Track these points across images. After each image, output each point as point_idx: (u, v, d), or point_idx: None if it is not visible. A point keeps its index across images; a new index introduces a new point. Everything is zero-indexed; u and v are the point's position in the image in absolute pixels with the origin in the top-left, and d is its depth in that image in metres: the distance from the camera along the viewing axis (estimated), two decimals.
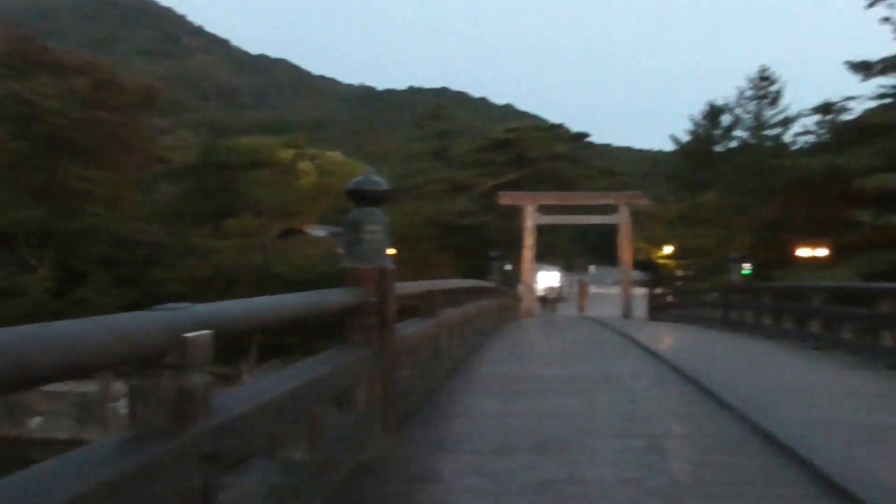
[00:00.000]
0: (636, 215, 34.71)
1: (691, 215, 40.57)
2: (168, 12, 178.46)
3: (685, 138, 50.86)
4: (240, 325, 2.78)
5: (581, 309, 37.29)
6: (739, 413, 5.69)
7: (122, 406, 19.60)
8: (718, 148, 48.37)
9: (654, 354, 10.21)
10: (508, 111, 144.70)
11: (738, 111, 47.55)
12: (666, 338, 14.48)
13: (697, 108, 50.82)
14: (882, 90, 34.17)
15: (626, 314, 29.18)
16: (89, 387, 19.44)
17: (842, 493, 3.67)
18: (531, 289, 33.24)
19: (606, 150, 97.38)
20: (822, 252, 32.78)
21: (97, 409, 19.60)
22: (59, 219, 34.78)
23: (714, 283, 26.94)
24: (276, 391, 2.95)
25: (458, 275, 31.34)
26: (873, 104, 34.46)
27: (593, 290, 52.58)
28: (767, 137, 45.98)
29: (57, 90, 35.22)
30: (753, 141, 46.15)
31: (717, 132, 48.55)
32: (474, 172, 49.52)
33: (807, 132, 41.83)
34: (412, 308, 7.48)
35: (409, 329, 6.20)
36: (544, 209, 32.31)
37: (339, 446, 3.75)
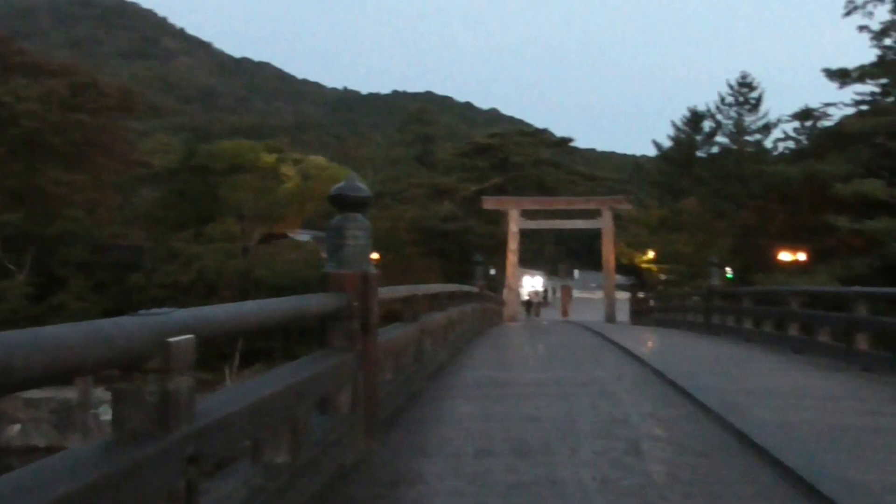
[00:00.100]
0: (619, 220, 34.94)
1: (673, 220, 40.88)
2: (148, 14, 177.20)
3: (667, 144, 51.29)
4: (223, 330, 2.82)
5: (564, 313, 37.47)
6: (717, 415, 5.78)
7: (102, 412, 19.45)
8: (700, 153, 48.82)
9: (636, 358, 10.31)
10: (493, 116, 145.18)
11: (719, 117, 48.04)
12: (647, 342, 14.60)
13: (680, 114, 51.13)
14: (859, 97, 34.66)
15: (610, 318, 29.34)
16: (69, 393, 19.25)
17: (811, 491, 3.76)
18: (515, 293, 33.34)
19: (590, 154, 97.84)
20: (802, 257, 33.14)
21: (77, 416, 19.41)
22: (37, 223, 34.42)
23: (695, 288, 27.14)
24: (259, 395, 2.99)
25: (442, 279, 31.39)
26: (851, 111, 34.95)
27: (577, 294, 52.84)
28: (748, 143, 46.45)
29: (34, 93, 34.91)
30: (734, 146, 46.59)
31: (699, 138, 49.00)
32: (458, 177, 49.63)
33: (787, 138, 42.33)
34: (395, 312, 7.52)
35: (392, 333, 6.24)
36: (528, 214, 32.43)
37: (321, 449, 3.78)
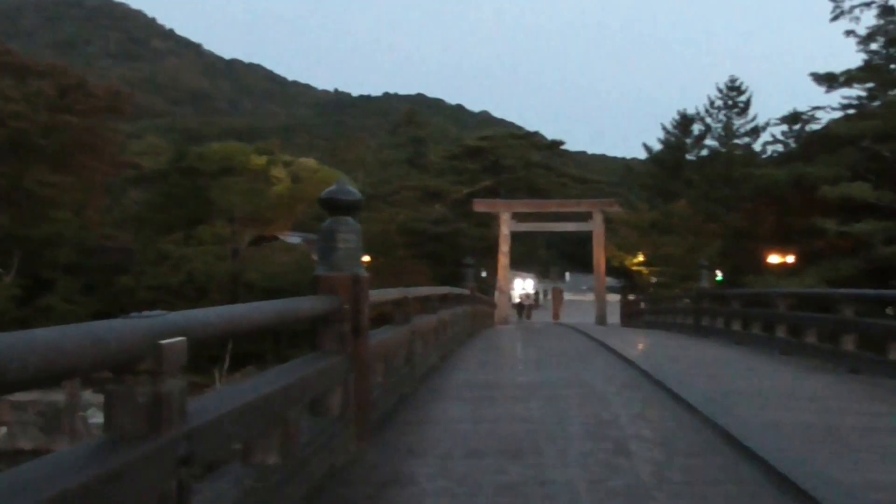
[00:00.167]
0: (610, 223, 35.06)
1: (663, 223, 41.04)
2: (137, 14, 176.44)
3: (657, 147, 51.50)
4: (214, 332, 2.84)
5: (556, 315, 37.58)
6: (704, 416, 5.84)
7: (90, 415, 19.35)
8: (690, 156, 49.06)
9: (625, 360, 10.37)
10: (484, 118, 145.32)
11: (708, 120, 48.31)
12: (637, 344, 14.67)
13: (670, 118, 51.35)
14: (846, 101, 34.94)
15: (600, 320, 29.44)
16: (56, 396, 19.14)
17: (796, 490, 3.81)
18: (507, 296, 33.40)
19: (581, 157, 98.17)
20: (791, 259, 33.36)
21: (65, 419, 19.30)
22: (24, 225, 34.25)
23: (685, 290, 27.28)
24: (250, 396, 3.01)
25: (433, 282, 31.43)
26: (838, 115, 35.23)
27: (568, 296, 53.04)
28: (737, 146, 46.72)
29: (21, 94, 34.75)
30: (723, 150, 46.85)
31: (689, 141, 49.25)
32: (449, 179, 49.68)
33: (775, 141, 42.64)
34: (386, 315, 7.55)
35: (383, 336, 6.27)
36: (519, 216, 32.51)
37: (312, 451, 3.80)
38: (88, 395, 20.14)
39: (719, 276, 31.61)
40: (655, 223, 41.54)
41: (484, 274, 35.91)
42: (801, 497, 3.76)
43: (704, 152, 48.55)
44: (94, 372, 2.12)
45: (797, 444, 5.03)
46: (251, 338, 26.51)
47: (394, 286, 8.65)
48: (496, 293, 31.04)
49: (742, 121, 47.41)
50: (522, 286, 63.34)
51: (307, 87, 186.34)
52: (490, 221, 36.15)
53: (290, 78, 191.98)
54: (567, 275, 77.59)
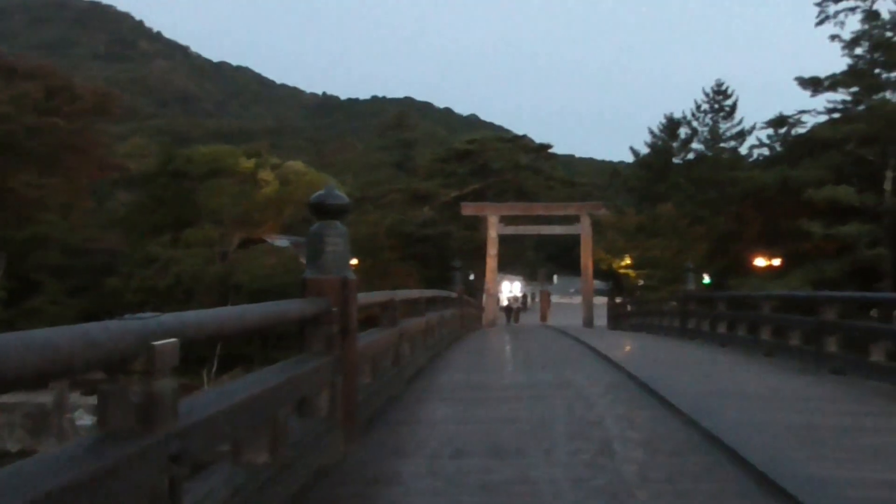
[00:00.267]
0: (597, 226, 35.23)
1: (650, 226, 41.30)
2: (124, 16, 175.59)
3: (644, 150, 51.81)
4: (205, 334, 2.90)
5: (543, 318, 37.69)
6: (687, 417, 5.94)
7: (78, 417, 19.27)
8: (676, 160, 49.39)
9: (611, 362, 10.47)
10: (472, 121, 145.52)
11: (695, 124, 48.68)
12: (623, 346, 14.79)
13: (657, 121, 51.69)
14: (831, 105, 35.28)
15: (588, 323, 29.56)
16: (43, 398, 19.05)
17: (775, 487, 3.91)
18: (494, 298, 33.48)
19: (569, 160, 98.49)
20: (776, 261, 33.64)
21: (53, 421, 19.21)
22: (11, 227, 34.07)
23: (672, 293, 27.46)
24: (240, 396, 3.07)
25: (421, 284, 31.51)
26: (824, 118, 35.57)
27: (555, 299, 53.21)
28: (723, 150, 47.09)
29: (8, 95, 34.57)
30: (710, 153, 47.19)
31: (675, 144, 49.58)
32: (437, 182, 49.72)
33: (761, 145, 43.03)
34: (374, 317, 7.61)
35: (371, 338, 6.33)
36: (507, 219, 32.60)
37: (300, 450, 3.86)
38: (76, 396, 20.06)
39: (706, 279, 31.86)
40: (642, 226, 41.81)
41: (472, 277, 35.99)
42: (779, 494, 3.85)
43: (691, 156, 48.92)
44: (89, 371, 2.18)
45: (778, 444, 5.12)
46: (239, 340, 26.50)
47: (382, 289, 8.73)
48: (484, 296, 31.12)
49: (728, 124, 47.83)
50: (510, 289, 63.53)
51: (295, 90, 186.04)
52: (478, 224, 36.24)
53: (279, 81, 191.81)
54: (555, 278, 77.80)
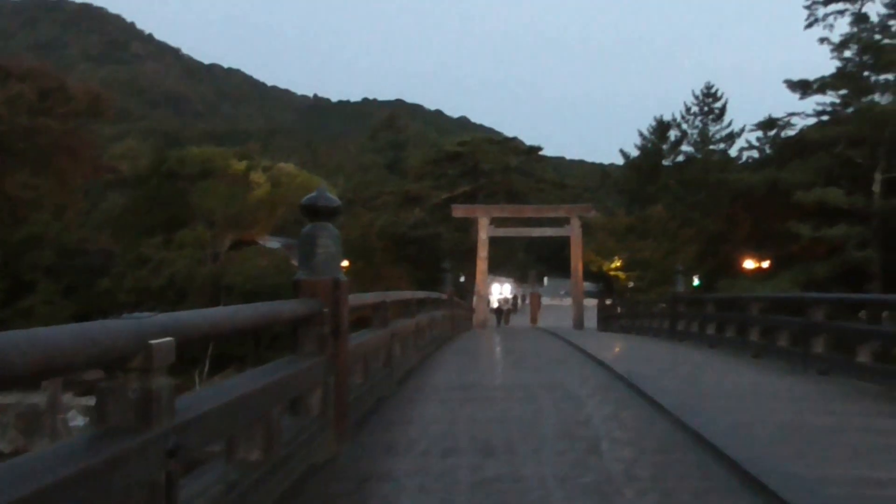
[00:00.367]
0: (587, 228, 35.36)
1: (640, 228, 41.48)
2: (116, 18, 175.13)
3: (634, 152, 52.03)
4: (200, 333, 2.96)
5: (534, 320, 37.74)
6: (674, 417, 6.02)
7: (71, 417, 19.26)
8: (666, 162, 49.64)
9: (600, 363, 10.55)
10: (463, 123, 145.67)
11: (684, 126, 48.93)
12: (612, 347, 14.88)
13: (647, 123, 51.91)
14: (820, 107, 35.54)
15: (578, 325, 29.66)
16: (36, 398, 19.05)
17: (758, 485, 4.00)
18: (485, 300, 33.55)
19: (560, 162, 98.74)
20: (766, 263, 33.85)
21: (46, 421, 19.20)
22: (4, 227, 33.98)
23: (661, 294, 27.61)
24: (235, 394, 3.14)
25: (412, 286, 31.55)
26: (813, 121, 35.84)
27: (546, 301, 53.24)
28: (713, 152, 47.33)
29: (1, 96, 34.47)
30: (699, 155, 47.43)
31: (665, 147, 49.82)
32: (428, 184, 49.76)
33: (751, 147, 43.27)
34: (366, 318, 7.68)
35: (362, 338, 6.39)
36: (498, 221, 32.66)
37: (293, 449, 3.93)
38: (69, 397, 20.06)
39: (696, 281, 32.04)
40: (632, 228, 41.99)
41: (462, 279, 36.08)
42: (762, 491, 3.94)
43: (681, 158, 49.18)
44: (89, 368, 2.24)
45: (763, 443, 5.21)
46: (231, 340, 26.50)
47: (373, 290, 8.78)
48: (474, 297, 31.19)
49: (718, 127, 48.10)
50: (500, 291, 63.64)
51: (286, 92, 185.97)
52: (468, 226, 36.30)
53: (270, 83, 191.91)
54: (545, 279, 77.91)
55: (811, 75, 34.45)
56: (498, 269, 49.32)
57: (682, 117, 48.72)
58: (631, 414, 6.54)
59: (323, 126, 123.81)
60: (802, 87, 34.52)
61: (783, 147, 37.38)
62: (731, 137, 47.05)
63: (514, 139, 58.14)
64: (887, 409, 6.92)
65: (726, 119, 47.82)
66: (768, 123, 37.91)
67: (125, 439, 2.26)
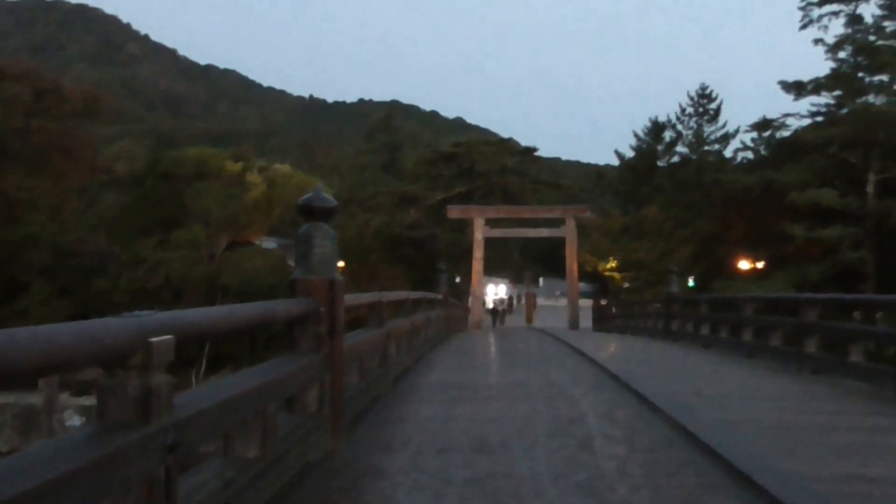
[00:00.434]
0: (582, 228, 35.43)
1: (635, 228, 41.60)
2: (112, 19, 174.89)
3: (629, 153, 52.16)
4: (198, 332, 3.01)
5: (529, 320, 37.82)
6: (667, 415, 6.08)
7: (67, 417, 19.26)
8: (661, 163, 49.78)
9: (594, 363, 10.61)
10: (459, 124, 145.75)
11: (679, 127, 49.08)
12: (607, 347, 14.95)
13: (642, 124, 52.08)
14: (814, 108, 35.67)
15: (573, 325, 29.72)
16: (32, 398, 19.04)
17: (748, 482, 4.06)
18: (480, 300, 33.60)
19: (555, 163, 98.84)
20: (760, 264, 33.96)
21: (43, 421, 19.20)
22: (0, 228, 33.93)
23: (656, 295, 27.70)
24: (232, 391, 3.19)
25: (408, 286, 31.58)
26: (807, 122, 35.96)
27: (541, 301, 53.36)
28: (708, 153, 47.47)
29: None
30: (694, 156, 47.57)
31: (660, 147, 49.96)
32: (423, 185, 49.82)
33: (745, 148, 43.41)
34: (361, 318, 7.73)
35: (358, 338, 6.44)
36: (493, 222, 32.71)
37: (289, 446, 3.98)
38: (65, 397, 20.06)
39: (691, 281, 32.14)
40: (627, 229, 42.11)
41: (458, 279, 36.12)
42: (752, 488, 4.00)
43: (675, 159, 49.32)
44: (90, 366, 2.29)
45: (754, 441, 5.27)
46: (227, 341, 26.51)
47: (368, 290, 8.84)
48: (470, 298, 31.24)
49: (712, 128, 48.25)
50: (496, 291, 63.69)
51: (282, 92, 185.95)
52: (464, 227, 36.34)
53: (266, 84, 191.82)
54: (541, 280, 78.01)
55: (806, 76, 34.65)
56: (493, 269, 49.35)
57: (677, 118, 48.91)
58: (624, 413, 6.60)
59: (319, 127, 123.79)
60: (797, 89, 34.65)
61: (778, 148, 37.51)
62: (725, 138, 47.24)
63: (510, 140, 58.26)
64: (878, 408, 6.99)
65: (721, 120, 48.03)
66: (763, 124, 38.02)
67: (125, 435, 2.30)
